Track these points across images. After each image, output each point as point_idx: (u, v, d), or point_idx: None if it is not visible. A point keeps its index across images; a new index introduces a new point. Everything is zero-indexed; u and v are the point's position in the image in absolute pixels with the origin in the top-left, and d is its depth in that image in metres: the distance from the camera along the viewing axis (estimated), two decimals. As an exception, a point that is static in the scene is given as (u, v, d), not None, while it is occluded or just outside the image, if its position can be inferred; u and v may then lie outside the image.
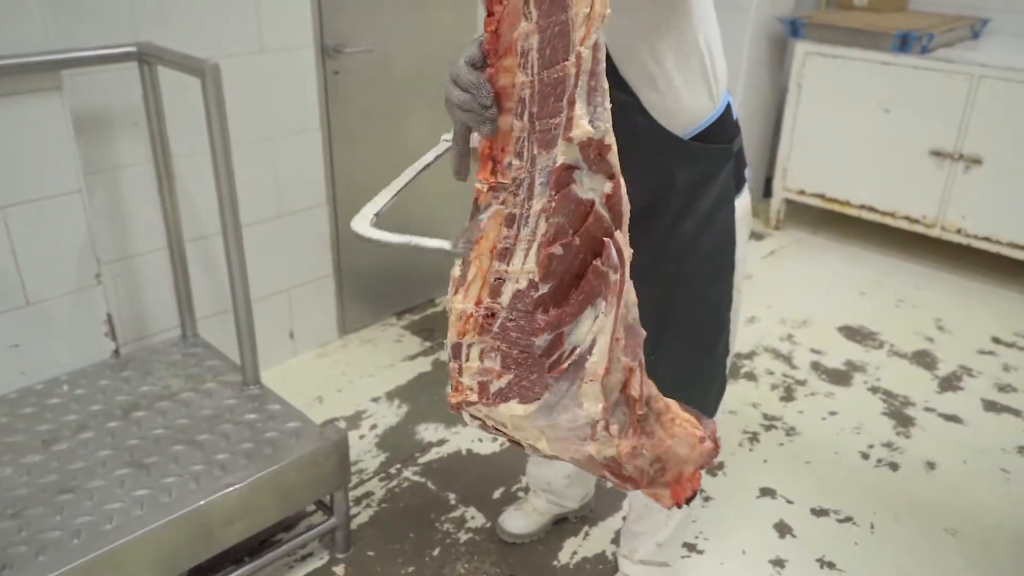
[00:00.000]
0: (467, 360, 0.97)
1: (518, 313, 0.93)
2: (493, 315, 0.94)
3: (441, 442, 2.32)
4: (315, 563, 1.92)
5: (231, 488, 1.65)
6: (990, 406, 2.58)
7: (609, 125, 0.87)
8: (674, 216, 1.42)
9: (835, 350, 2.88)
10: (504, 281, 0.93)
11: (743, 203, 1.48)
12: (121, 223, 2.15)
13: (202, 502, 1.60)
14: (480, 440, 2.33)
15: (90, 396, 1.92)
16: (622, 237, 0.92)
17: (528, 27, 0.86)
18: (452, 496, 2.13)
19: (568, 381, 0.92)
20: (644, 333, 0.97)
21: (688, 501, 1.02)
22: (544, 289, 0.91)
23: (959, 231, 3.35)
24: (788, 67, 3.77)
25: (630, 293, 0.93)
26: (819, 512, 2.11)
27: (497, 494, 2.14)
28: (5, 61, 1.67)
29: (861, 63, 3.43)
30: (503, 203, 0.93)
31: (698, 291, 1.48)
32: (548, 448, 0.98)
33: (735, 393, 2.61)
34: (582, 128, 0.86)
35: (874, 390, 2.65)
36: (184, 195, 2.17)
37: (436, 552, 1.96)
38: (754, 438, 2.40)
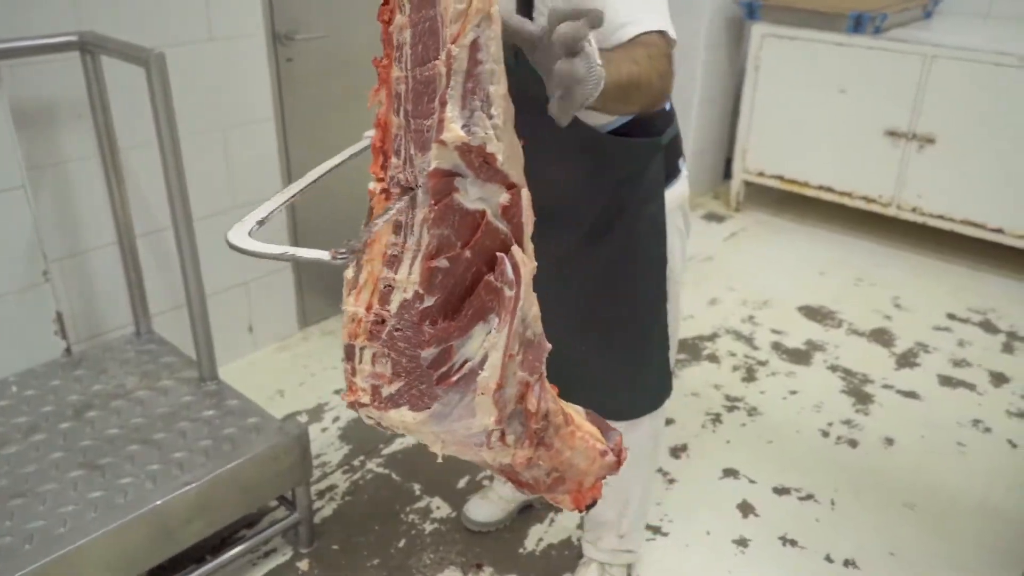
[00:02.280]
0: (360, 362, 0.93)
1: (405, 323, 0.89)
2: (383, 321, 0.90)
3: (405, 433, 2.30)
4: (279, 559, 1.90)
5: (189, 487, 1.62)
6: (946, 381, 2.63)
7: (493, 132, 0.81)
8: (598, 212, 1.43)
9: (795, 330, 2.91)
10: (393, 289, 0.89)
11: (676, 193, 1.48)
12: (69, 218, 2.10)
13: (159, 502, 1.58)
14: (444, 429, 2.32)
15: (41, 397, 1.87)
16: (519, 252, 0.88)
17: (402, 20, 0.82)
18: (417, 487, 2.12)
19: (459, 393, 0.89)
20: (548, 347, 0.94)
21: (588, 508, 1.03)
22: (430, 302, 0.87)
23: (914, 209, 3.40)
24: (746, 49, 3.78)
25: (531, 308, 0.91)
26: (781, 491, 2.14)
27: (462, 483, 2.13)
28: (-62, 53, 1.61)
29: (817, 44, 3.46)
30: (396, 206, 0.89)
31: (624, 285, 1.48)
32: (445, 450, 0.96)
33: (697, 376, 2.63)
34: (453, 132, 0.81)
35: (833, 368, 2.68)
36: (134, 189, 2.12)
37: (402, 543, 1.94)
38: (716, 419, 2.42)
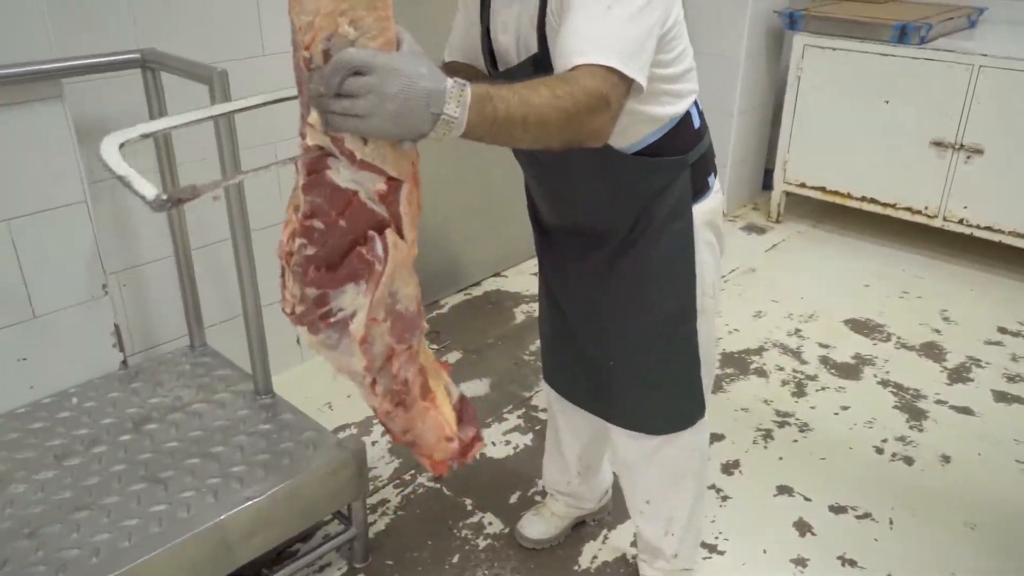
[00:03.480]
0: (286, 280, 1.12)
1: (298, 261, 1.06)
2: (291, 253, 1.08)
3: (454, 446, 2.30)
4: (334, 573, 1.90)
5: (250, 502, 1.62)
6: (1001, 397, 2.58)
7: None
8: (625, 230, 1.44)
9: (843, 343, 2.87)
10: (295, 231, 1.06)
11: (706, 208, 1.46)
12: (127, 232, 2.12)
13: (222, 517, 1.58)
14: (494, 444, 2.31)
15: (101, 409, 1.89)
16: (393, 235, 1.03)
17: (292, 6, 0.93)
18: (468, 502, 2.11)
19: (337, 333, 1.07)
20: (423, 325, 1.14)
21: (440, 476, 1.26)
22: (311, 251, 1.04)
23: (961, 221, 3.35)
24: (786, 60, 3.76)
25: (405, 286, 1.07)
26: (837, 509, 2.10)
27: (514, 499, 2.12)
28: (8, 71, 1.63)
29: (859, 54, 3.42)
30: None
31: (652, 301, 1.48)
32: (342, 377, 1.16)
33: (745, 390, 2.60)
34: (313, 116, 0.93)
35: (884, 383, 2.64)
36: (189, 203, 2.13)
37: (456, 559, 1.94)
38: (768, 435, 2.39)
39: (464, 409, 1.27)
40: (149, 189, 0.89)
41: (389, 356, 1.09)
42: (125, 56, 1.80)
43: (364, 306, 1.03)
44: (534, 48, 1.28)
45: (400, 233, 1.03)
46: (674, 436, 1.60)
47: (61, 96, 1.75)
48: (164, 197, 0.89)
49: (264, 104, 1.19)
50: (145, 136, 0.99)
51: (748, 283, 3.28)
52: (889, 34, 3.32)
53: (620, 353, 1.55)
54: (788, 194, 3.85)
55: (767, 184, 4.09)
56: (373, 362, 1.08)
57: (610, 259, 1.46)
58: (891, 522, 2.06)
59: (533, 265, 3.46)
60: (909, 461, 2.29)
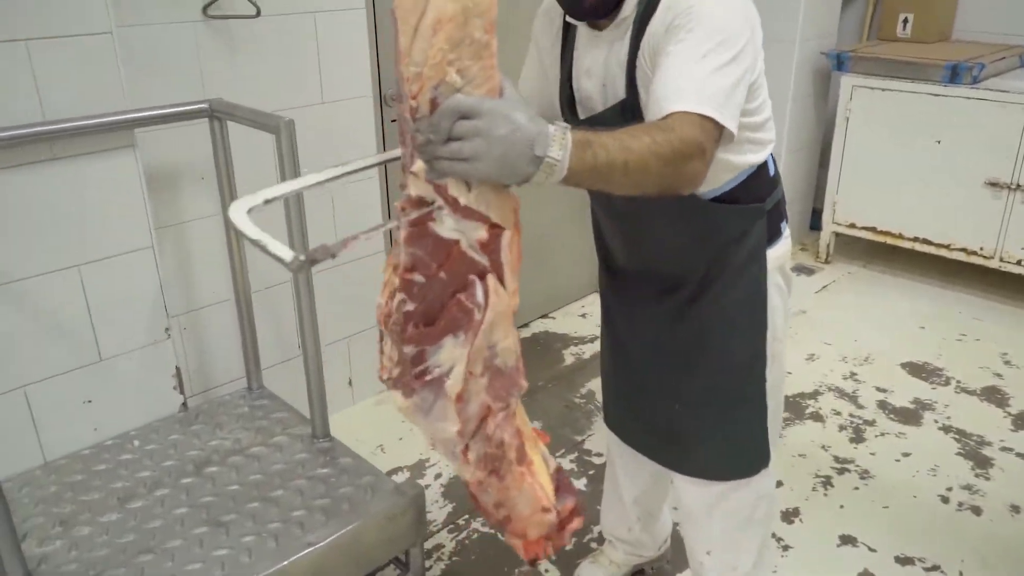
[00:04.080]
0: (384, 343, 1.11)
1: (397, 320, 1.04)
2: (390, 314, 1.06)
3: (507, 491, 2.28)
4: (390, 620, 1.88)
5: (311, 548, 1.61)
6: (1069, 444, 2.50)
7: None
8: (701, 275, 1.44)
9: (901, 388, 2.81)
10: (395, 290, 1.05)
11: (778, 253, 1.48)
12: (188, 276, 2.16)
13: (284, 563, 1.57)
14: (547, 488, 2.28)
15: (162, 451, 1.91)
16: (494, 282, 0.99)
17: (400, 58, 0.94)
18: (523, 548, 2.08)
19: (432, 393, 1.03)
20: (523, 383, 1.07)
21: (532, 564, 1.13)
22: (410, 307, 1.02)
23: (1020, 262, 3.27)
24: (834, 100, 3.74)
25: (504, 339, 1.02)
26: (904, 560, 2.04)
27: (570, 545, 2.09)
28: (85, 123, 1.69)
29: (910, 95, 3.40)
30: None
31: (724, 346, 1.47)
32: (436, 449, 1.11)
33: (802, 435, 2.55)
34: (417, 165, 0.93)
35: (946, 429, 2.58)
36: (249, 246, 2.17)
37: (512, 607, 1.91)
38: (827, 482, 2.34)
39: (561, 480, 1.17)
40: (286, 252, 0.91)
41: (484, 417, 1.04)
42: (194, 106, 1.85)
43: (462, 358, 1.00)
44: (623, 94, 1.29)
45: (501, 281, 1.01)
46: (739, 483, 1.57)
47: (134, 145, 1.81)
48: (302, 259, 0.90)
49: (375, 165, 1.19)
50: (268, 201, 1.00)
51: (799, 325, 3.24)
52: (940, 74, 3.29)
53: (687, 397, 1.54)
54: (837, 234, 3.81)
55: (815, 224, 4.05)
56: (467, 424, 1.03)
57: (683, 303, 1.46)
58: (961, 575, 1.99)
59: (581, 306, 3.46)
60: (977, 511, 2.21)
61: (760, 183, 1.41)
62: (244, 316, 2.11)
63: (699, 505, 1.62)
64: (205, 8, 2.01)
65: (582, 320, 3.32)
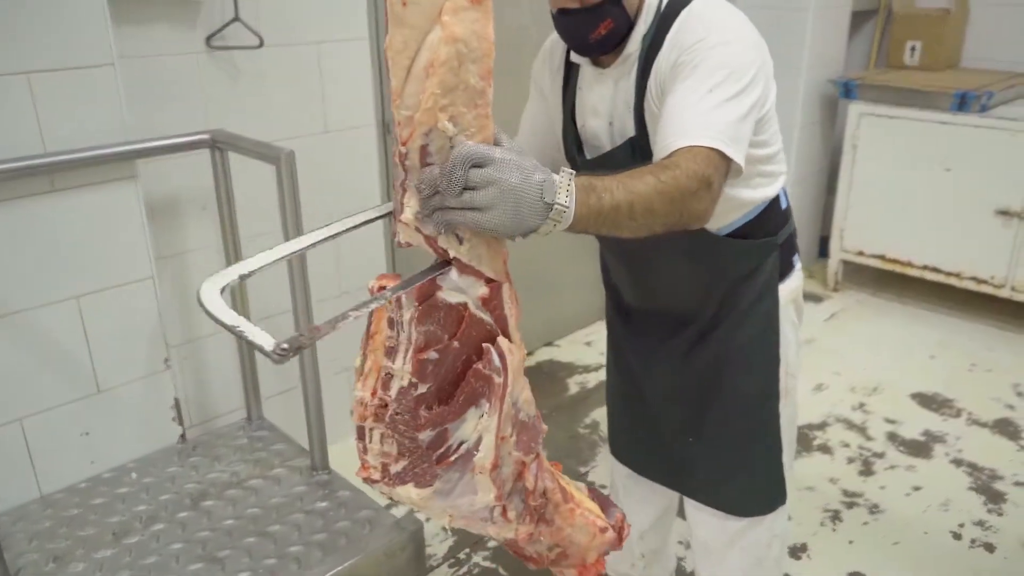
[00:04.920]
0: (370, 441, 1.00)
1: (403, 408, 0.95)
2: (386, 405, 0.97)
3: (509, 524, 2.24)
4: (387, 659, 1.84)
5: (307, 585, 1.59)
6: (1084, 479, 2.45)
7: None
8: (713, 311, 1.41)
9: (911, 419, 2.76)
10: (392, 376, 0.96)
11: (791, 287, 1.46)
12: (188, 306, 2.15)
13: (279, 601, 1.55)
14: (550, 522, 2.25)
15: (159, 484, 1.89)
16: (505, 342, 0.95)
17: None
18: (525, 584, 2.05)
19: (459, 472, 0.96)
20: (543, 428, 1.01)
21: None
22: (423, 389, 0.94)
23: (1031, 291, 3.24)
24: (841, 127, 3.73)
25: (522, 392, 0.98)
26: (915, 599, 2.00)
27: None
28: (85, 154, 1.68)
29: (918, 123, 3.38)
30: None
31: (736, 382, 1.45)
32: (454, 523, 1.04)
33: (810, 468, 2.51)
34: (411, 208, 0.87)
35: (957, 462, 2.53)
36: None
37: (513, 646, 1.87)
38: (836, 516, 2.29)
39: (597, 495, 1.16)
40: (266, 339, 0.80)
41: (520, 473, 0.98)
42: (196, 137, 1.85)
43: (491, 427, 0.93)
44: (631, 132, 1.27)
45: (508, 336, 0.97)
46: (757, 520, 1.53)
47: (135, 176, 1.80)
48: (284, 347, 0.79)
49: (363, 224, 1.03)
50: (244, 277, 0.89)
51: (807, 354, 3.18)
52: (949, 103, 3.28)
53: (702, 432, 1.50)
54: (845, 262, 3.78)
55: (823, 252, 4.02)
56: (503, 486, 0.96)
57: (695, 340, 1.43)
58: (974, 616, 1.95)
59: (586, 335, 3.43)
60: (990, 548, 2.16)
61: (772, 217, 1.39)
62: (244, 346, 2.10)
63: (717, 539, 1.59)
64: (208, 39, 2.01)
65: (587, 348, 3.29)
